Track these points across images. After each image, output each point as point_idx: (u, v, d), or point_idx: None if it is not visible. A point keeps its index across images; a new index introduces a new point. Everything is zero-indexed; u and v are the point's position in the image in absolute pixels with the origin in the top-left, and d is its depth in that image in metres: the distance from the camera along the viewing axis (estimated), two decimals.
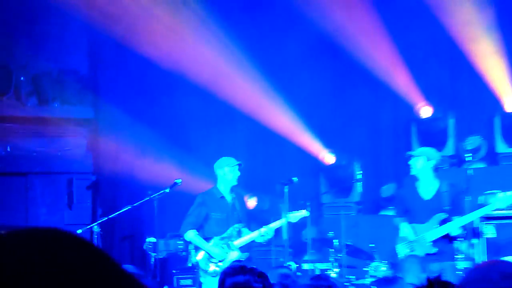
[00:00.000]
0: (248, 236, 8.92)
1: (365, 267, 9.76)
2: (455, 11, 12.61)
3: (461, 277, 2.98)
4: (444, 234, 8.45)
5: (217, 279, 8.72)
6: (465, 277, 2.70)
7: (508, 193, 8.70)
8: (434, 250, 8.33)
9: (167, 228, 10.58)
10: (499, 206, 8.72)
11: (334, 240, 10.14)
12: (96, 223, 9.94)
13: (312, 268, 10.14)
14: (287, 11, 12.71)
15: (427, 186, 8.70)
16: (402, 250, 8.64)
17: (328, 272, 9.81)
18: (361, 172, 12.43)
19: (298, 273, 9.63)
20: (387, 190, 11.90)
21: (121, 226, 11.32)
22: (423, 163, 8.61)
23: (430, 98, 12.48)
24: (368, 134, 13.09)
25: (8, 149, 11.84)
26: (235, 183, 9.03)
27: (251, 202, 11.06)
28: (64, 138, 12.24)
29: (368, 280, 9.51)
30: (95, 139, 12.37)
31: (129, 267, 7.26)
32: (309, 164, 12.54)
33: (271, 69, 12.43)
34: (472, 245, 9.47)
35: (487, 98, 12.18)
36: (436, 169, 8.78)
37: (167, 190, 9.14)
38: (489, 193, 9.45)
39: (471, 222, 9.11)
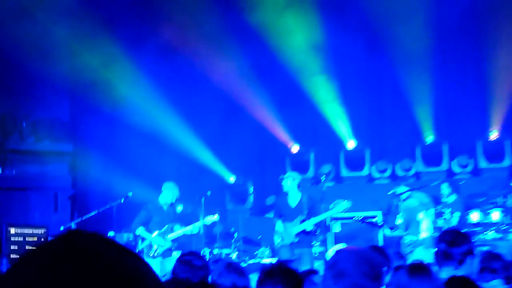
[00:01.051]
0: (177, 232, 9.84)
1: (254, 252, 10.89)
2: (303, 76, 13.59)
3: (329, 260, 3.18)
4: (302, 229, 9.43)
5: (156, 260, 9.40)
6: (332, 259, 3.07)
7: (346, 203, 10.03)
8: (296, 239, 9.34)
9: (122, 226, 11.19)
10: (340, 211, 10.06)
11: (234, 234, 11.34)
12: (73, 222, 11.02)
13: (220, 252, 10.89)
14: (202, 79, 13.55)
15: (294, 198, 9.66)
16: (276, 239, 9.66)
17: (231, 255, 10.83)
18: (253, 188, 13.73)
19: (210, 255, 10.27)
20: (269, 200, 12.89)
21: (90, 224, 11.09)
22: (290, 182, 9.64)
23: (297, 139, 14.04)
24: (257, 163, 14.39)
25: (14, 172, 13.05)
26: (171, 202, 10.06)
27: (179, 208, 11.28)
28: (52, 165, 13.30)
29: (258, 260, 10.41)
30: (73, 166, 13.59)
31: None
32: (218, 183, 13.56)
33: (194, 120, 13.60)
34: (326, 237, 10.88)
35: (335, 139, 13.77)
36: (299, 186, 9.81)
37: (122, 200, 10.29)
38: (336, 202, 10.43)
39: (325, 221, 10.39)
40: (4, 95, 12.73)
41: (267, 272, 3.68)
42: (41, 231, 11.36)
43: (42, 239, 11.10)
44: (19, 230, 11.02)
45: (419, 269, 3.72)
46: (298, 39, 13.24)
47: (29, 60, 11.91)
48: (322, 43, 13.32)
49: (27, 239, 11.07)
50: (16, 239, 11.01)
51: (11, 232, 10.87)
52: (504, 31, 12.09)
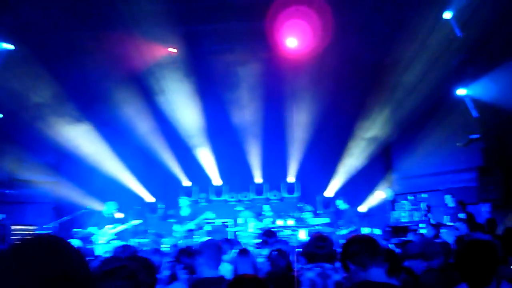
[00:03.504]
0: (117, 228, 10.22)
1: (162, 241, 10.62)
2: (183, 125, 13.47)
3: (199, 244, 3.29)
4: (191, 227, 10.36)
5: (103, 244, 9.60)
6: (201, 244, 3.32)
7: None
8: (185, 234, 10.28)
9: (84, 225, 10.89)
10: (209, 218, 10.76)
11: (150, 231, 11.82)
12: (53, 223, 11.21)
13: (140, 241, 10.79)
14: (133, 140, 13.65)
15: (184, 211, 10.72)
16: (174, 234, 10.34)
17: (148, 244, 10.36)
18: (161, 205, 14.24)
19: (137, 244, 10.16)
20: (170, 212, 12.61)
21: (65, 224, 11.18)
22: (183, 203, 10.79)
23: (188, 177, 14.78)
24: (165, 190, 14.64)
25: (18, 192, 13.30)
26: (112, 211, 10.26)
27: (119, 215, 10.78)
28: (43, 188, 13.94)
29: (164, 246, 9.72)
30: (55, 189, 14.18)
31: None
32: (142, 201, 14.20)
33: (128, 163, 14.06)
34: (204, 232, 11.25)
35: (208, 179, 14.57)
36: (188, 204, 10.79)
37: (84, 210, 11.15)
38: (207, 213, 10.72)
39: (200, 224, 10.83)
40: (15, 150, 13.12)
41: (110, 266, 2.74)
42: (33, 228, 11.68)
43: (33, 232, 11.27)
44: (19, 227, 11.32)
45: (244, 251, 4.08)
46: (189, 120, 13.77)
47: (29, 131, 12.67)
48: (201, 121, 13.82)
49: (24, 233, 11.24)
50: (18, 233, 11.20)
51: (14, 229, 11.11)
52: (296, 118, 13.49)
